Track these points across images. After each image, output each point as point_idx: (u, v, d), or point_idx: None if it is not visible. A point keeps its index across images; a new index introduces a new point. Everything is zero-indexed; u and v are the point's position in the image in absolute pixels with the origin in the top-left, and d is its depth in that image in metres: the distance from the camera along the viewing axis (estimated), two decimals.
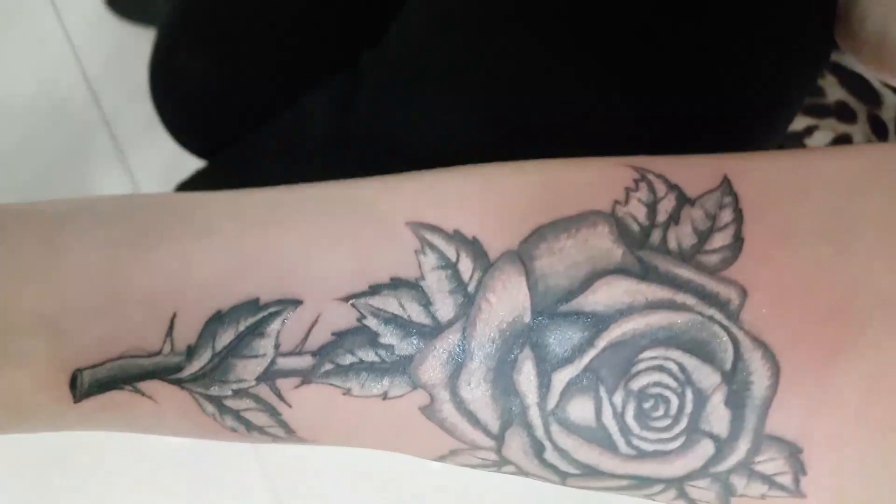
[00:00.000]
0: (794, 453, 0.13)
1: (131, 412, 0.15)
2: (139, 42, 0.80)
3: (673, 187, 0.14)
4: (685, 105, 0.19)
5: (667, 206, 0.14)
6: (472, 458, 0.15)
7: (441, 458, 0.15)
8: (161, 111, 0.32)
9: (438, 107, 0.20)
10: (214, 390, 0.14)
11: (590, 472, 0.14)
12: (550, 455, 0.14)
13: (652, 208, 0.14)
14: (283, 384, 0.14)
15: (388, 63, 0.22)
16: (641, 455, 0.14)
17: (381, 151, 0.20)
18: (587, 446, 0.14)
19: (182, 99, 0.30)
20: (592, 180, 0.14)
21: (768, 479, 0.14)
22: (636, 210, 0.14)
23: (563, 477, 0.15)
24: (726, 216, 0.13)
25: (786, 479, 0.14)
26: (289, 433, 0.15)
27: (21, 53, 0.78)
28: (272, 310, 0.14)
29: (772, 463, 0.13)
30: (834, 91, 0.30)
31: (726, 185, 0.14)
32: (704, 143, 0.19)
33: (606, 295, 0.13)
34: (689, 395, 0.13)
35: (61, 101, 0.81)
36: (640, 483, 0.14)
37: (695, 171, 0.14)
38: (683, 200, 0.14)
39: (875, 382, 0.13)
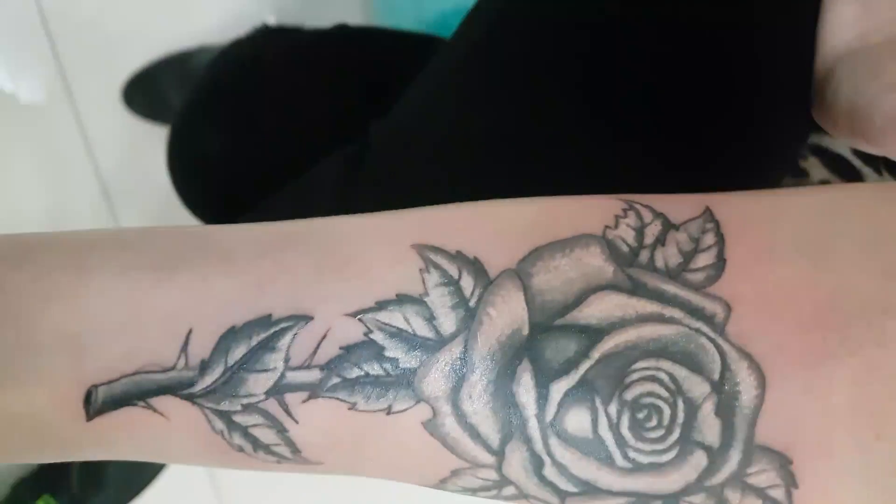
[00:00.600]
0: (784, 464, 0.14)
1: (143, 431, 0.15)
2: (153, 139, 0.84)
3: (659, 215, 0.15)
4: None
5: (653, 230, 0.15)
6: (474, 480, 0.15)
7: (443, 483, 0.16)
8: (179, 184, 0.33)
9: (435, 162, 0.22)
10: (225, 405, 0.15)
11: (588, 490, 0.14)
12: (549, 471, 0.14)
13: (640, 232, 0.15)
14: (292, 399, 0.15)
15: (392, 128, 0.25)
16: (637, 468, 0.14)
17: (387, 192, 0.22)
18: (585, 460, 0.14)
19: (201, 171, 0.32)
20: (585, 208, 0.15)
21: (761, 493, 0.14)
22: (625, 233, 0.15)
23: (563, 497, 0.15)
24: (709, 239, 0.14)
25: (778, 494, 0.14)
26: (294, 452, 0.15)
27: (36, 147, 0.81)
28: (284, 325, 0.15)
29: (764, 475, 0.14)
30: (817, 171, 0.32)
31: (708, 213, 0.15)
32: None
33: (599, 309, 0.14)
34: (680, 404, 0.14)
35: (71, 194, 0.83)
36: (638, 502, 0.14)
37: (679, 202, 0.15)
38: (669, 226, 0.15)
39: (860, 389, 0.13)
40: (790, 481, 0.14)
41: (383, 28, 0.37)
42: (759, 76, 0.24)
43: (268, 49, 0.35)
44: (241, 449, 0.15)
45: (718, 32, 0.24)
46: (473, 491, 0.16)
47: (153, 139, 0.84)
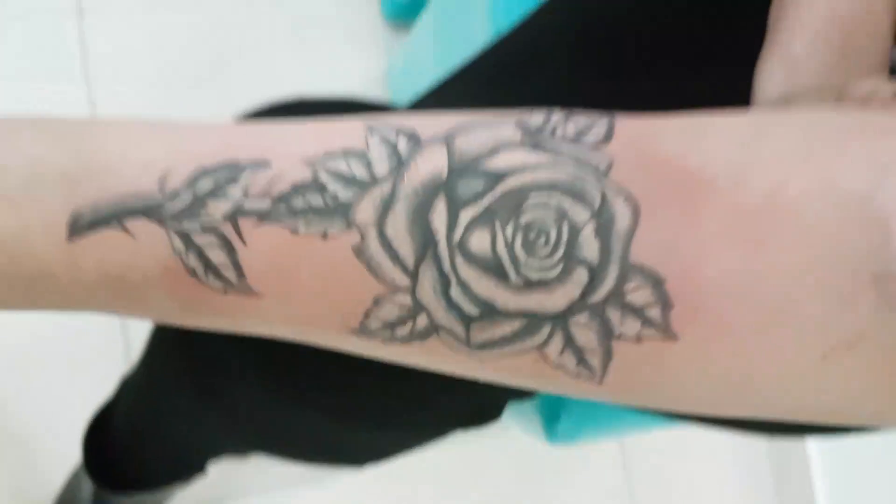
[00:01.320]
0: (657, 283, 0.16)
1: (112, 254, 0.18)
2: None
3: (567, 112, 0.19)
4: None
5: (558, 115, 0.18)
6: (392, 309, 0.17)
7: (366, 319, 0.18)
8: None
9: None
10: (186, 225, 0.17)
11: (487, 312, 0.17)
12: (455, 291, 0.17)
13: (548, 117, 0.18)
14: (244, 223, 0.17)
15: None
16: (528, 285, 0.16)
17: None
18: (485, 278, 0.16)
19: None
20: (507, 112, 0.19)
21: (639, 313, 0.16)
22: (536, 117, 0.18)
23: (467, 323, 0.17)
24: (602, 122, 0.18)
25: (654, 313, 0.16)
26: (239, 277, 0.18)
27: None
28: (246, 167, 0.18)
29: (639, 293, 0.16)
30: None
31: (607, 113, 0.18)
32: None
33: (505, 160, 0.17)
34: (565, 227, 0.16)
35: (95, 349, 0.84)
36: (531, 324, 0.16)
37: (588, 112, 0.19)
38: (571, 114, 0.18)
39: (731, 220, 0.16)
40: (665, 300, 0.16)
41: None
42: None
43: None
44: (193, 273, 0.18)
45: None
46: (392, 327, 0.18)
47: None
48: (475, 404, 0.36)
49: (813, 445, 0.97)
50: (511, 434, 0.87)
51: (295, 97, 0.35)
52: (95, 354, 0.83)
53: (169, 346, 0.40)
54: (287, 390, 0.34)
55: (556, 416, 0.58)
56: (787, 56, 0.29)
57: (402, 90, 0.92)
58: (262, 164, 0.18)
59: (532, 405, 0.58)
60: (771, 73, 0.30)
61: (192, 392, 0.38)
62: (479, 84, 0.35)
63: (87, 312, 0.20)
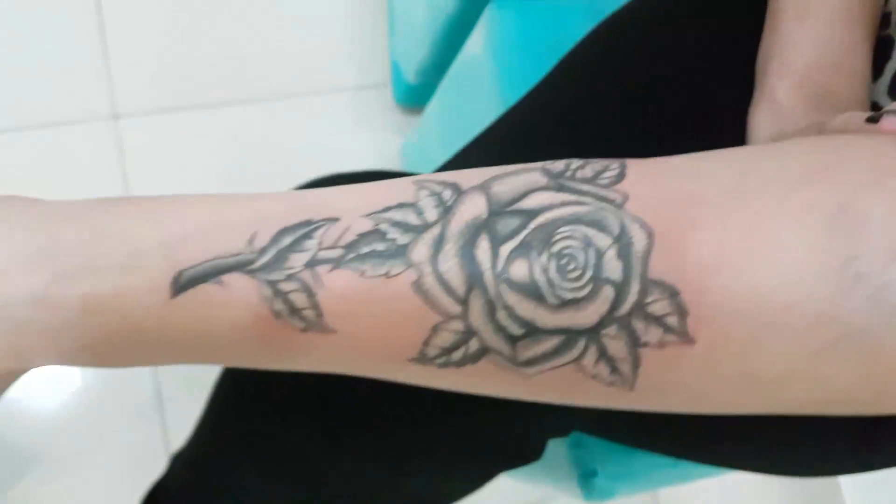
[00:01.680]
0: (673, 294, 0.19)
1: (210, 305, 0.21)
2: None
3: (584, 160, 0.22)
4: None
5: (577, 163, 0.21)
6: (447, 336, 0.20)
7: (425, 347, 0.20)
8: None
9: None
10: (273, 276, 0.21)
11: (531, 331, 0.19)
12: (501, 315, 0.19)
13: (568, 164, 0.21)
14: (321, 269, 0.20)
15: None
16: (563, 304, 0.19)
17: None
18: (526, 301, 0.19)
19: None
20: (532, 165, 0.22)
21: (660, 321, 0.19)
22: (558, 164, 0.21)
23: (513, 342, 0.19)
24: (614, 165, 0.21)
25: (673, 320, 0.19)
26: (318, 316, 0.20)
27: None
28: (319, 224, 0.21)
29: (659, 304, 0.19)
30: None
31: (619, 159, 0.22)
32: None
33: (535, 200, 0.20)
34: (591, 252, 0.19)
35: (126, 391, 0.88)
36: (568, 339, 0.19)
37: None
38: (588, 162, 0.22)
39: (721, 245, 0.19)
40: (681, 309, 0.19)
41: None
42: None
43: None
44: (279, 315, 0.21)
45: None
46: (448, 352, 0.20)
47: None
48: (517, 441, 0.37)
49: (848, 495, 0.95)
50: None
51: (333, 174, 0.39)
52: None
53: (225, 414, 0.42)
54: (346, 441, 0.36)
55: (592, 472, 0.59)
56: (773, 103, 0.33)
57: (416, 167, 0.98)
58: (331, 221, 0.21)
59: (567, 462, 0.59)
60: (760, 119, 0.34)
61: (257, 459, 0.41)
62: (496, 148, 0.39)
63: (181, 363, 0.23)
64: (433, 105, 0.92)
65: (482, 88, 0.73)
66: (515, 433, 0.36)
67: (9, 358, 0.22)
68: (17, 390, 0.79)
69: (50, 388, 0.84)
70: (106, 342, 0.22)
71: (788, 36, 0.35)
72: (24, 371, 0.23)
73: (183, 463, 0.50)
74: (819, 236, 0.18)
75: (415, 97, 1.02)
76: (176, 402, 0.88)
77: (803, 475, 0.53)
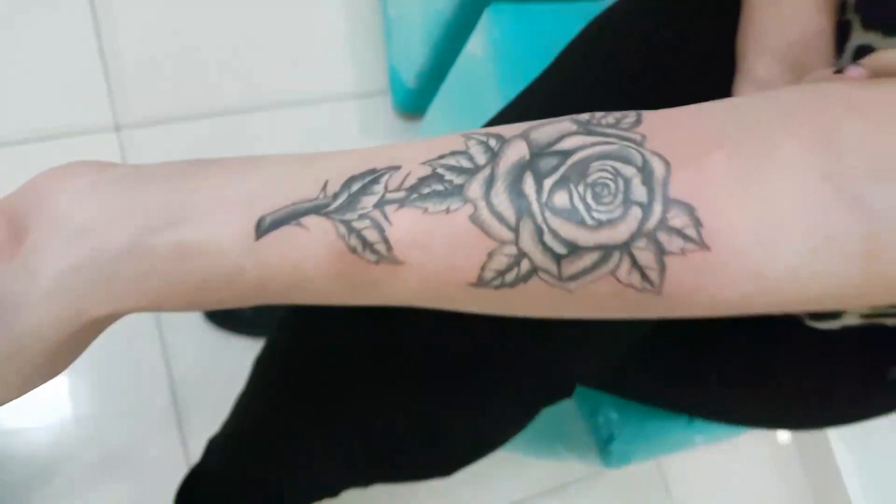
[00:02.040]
0: (690, 211, 0.22)
1: (292, 246, 0.24)
2: (228, 347, 0.95)
3: (606, 111, 0.26)
4: None
5: (600, 114, 0.25)
6: (502, 259, 0.23)
7: (482, 271, 0.24)
8: None
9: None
10: (347, 216, 0.24)
11: (573, 250, 0.23)
12: (547, 237, 0.23)
13: (592, 115, 0.25)
14: (389, 208, 0.24)
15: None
16: (599, 224, 0.23)
17: None
18: (568, 224, 0.23)
19: None
20: (561, 117, 0.26)
21: (681, 233, 0.22)
22: (583, 115, 0.25)
23: (558, 260, 0.23)
24: (632, 114, 0.25)
25: (692, 231, 0.22)
26: (388, 249, 0.24)
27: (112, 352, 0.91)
28: (383, 171, 0.25)
29: (679, 219, 0.22)
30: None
31: (634, 110, 0.26)
32: None
33: (570, 142, 0.24)
34: (620, 181, 0.23)
35: (142, 396, 0.91)
36: (605, 254, 0.23)
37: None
38: (609, 113, 0.25)
39: (738, 172, 0.23)
40: (697, 222, 0.22)
41: None
42: None
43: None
44: (354, 251, 0.24)
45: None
46: (503, 274, 0.24)
47: (229, 347, 0.95)
48: (552, 375, 0.41)
49: (845, 459, 0.99)
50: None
51: None
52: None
53: (277, 380, 0.46)
54: (400, 382, 0.40)
55: (609, 438, 0.62)
56: (753, 79, 0.37)
57: None
58: (394, 168, 0.25)
59: (586, 432, 0.63)
60: (743, 92, 0.38)
61: (313, 414, 0.44)
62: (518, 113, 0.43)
63: (264, 303, 0.26)
64: (435, 108, 0.96)
65: (484, 90, 0.76)
66: (550, 367, 0.40)
67: (105, 304, 0.25)
68: (17, 419, 0.81)
69: (56, 410, 0.86)
70: (195, 285, 0.25)
71: (763, 21, 0.40)
72: (118, 317, 0.27)
73: (226, 439, 0.53)
74: (805, 157, 0.22)
75: (415, 102, 1.06)
76: (193, 418, 0.91)
77: (807, 427, 0.57)
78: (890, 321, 0.48)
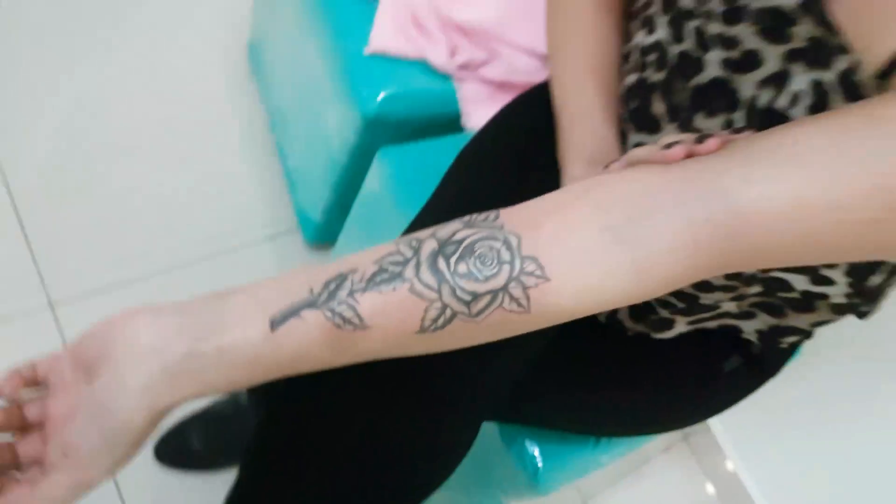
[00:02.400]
0: (536, 260, 0.38)
1: (296, 333, 0.39)
2: (181, 484, 1.01)
3: (476, 213, 0.43)
4: None
5: (475, 216, 0.42)
6: (433, 311, 0.39)
7: (422, 322, 0.39)
8: None
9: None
10: (330, 304, 0.39)
11: (475, 297, 0.38)
12: (459, 292, 0.39)
13: (471, 216, 0.42)
14: (357, 295, 0.37)
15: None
16: (487, 278, 0.38)
17: None
18: (469, 281, 0.38)
19: None
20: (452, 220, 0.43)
21: (533, 275, 0.38)
22: (465, 217, 0.42)
23: (467, 304, 0.39)
24: (494, 212, 0.42)
25: (539, 272, 0.38)
26: (360, 320, 0.39)
27: None
28: (347, 273, 0.40)
29: (530, 266, 0.38)
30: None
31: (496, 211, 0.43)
32: None
33: (460, 235, 0.40)
34: (493, 251, 0.39)
35: None
36: (494, 295, 0.39)
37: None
38: (479, 214, 0.42)
39: (558, 233, 0.40)
40: (541, 266, 0.38)
41: None
42: None
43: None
44: (338, 326, 0.39)
45: None
46: (435, 320, 0.39)
47: (184, 486, 1.01)
48: (462, 392, 0.56)
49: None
50: None
51: None
52: None
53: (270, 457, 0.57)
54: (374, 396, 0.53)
55: (535, 470, 0.75)
56: (572, 177, 0.56)
57: None
58: (353, 270, 0.40)
59: (515, 468, 0.76)
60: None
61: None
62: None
63: (277, 377, 0.40)
64: (342, 238, 1.10)
65: (386, 215, 0.86)
66: (461, 388, 0.55)
67: (173, 395, 0.38)
68: None
69: None
70: (233, 370, 0.39)
71: (573, 138, 0.61)
72: (181, 403, 0.39)
73: None
74: (591, 219, 0.39)
75: (324, 234, 1.18)
76: None
77: (675, 427, 0.74)
78: (710, 324, 0.66)
